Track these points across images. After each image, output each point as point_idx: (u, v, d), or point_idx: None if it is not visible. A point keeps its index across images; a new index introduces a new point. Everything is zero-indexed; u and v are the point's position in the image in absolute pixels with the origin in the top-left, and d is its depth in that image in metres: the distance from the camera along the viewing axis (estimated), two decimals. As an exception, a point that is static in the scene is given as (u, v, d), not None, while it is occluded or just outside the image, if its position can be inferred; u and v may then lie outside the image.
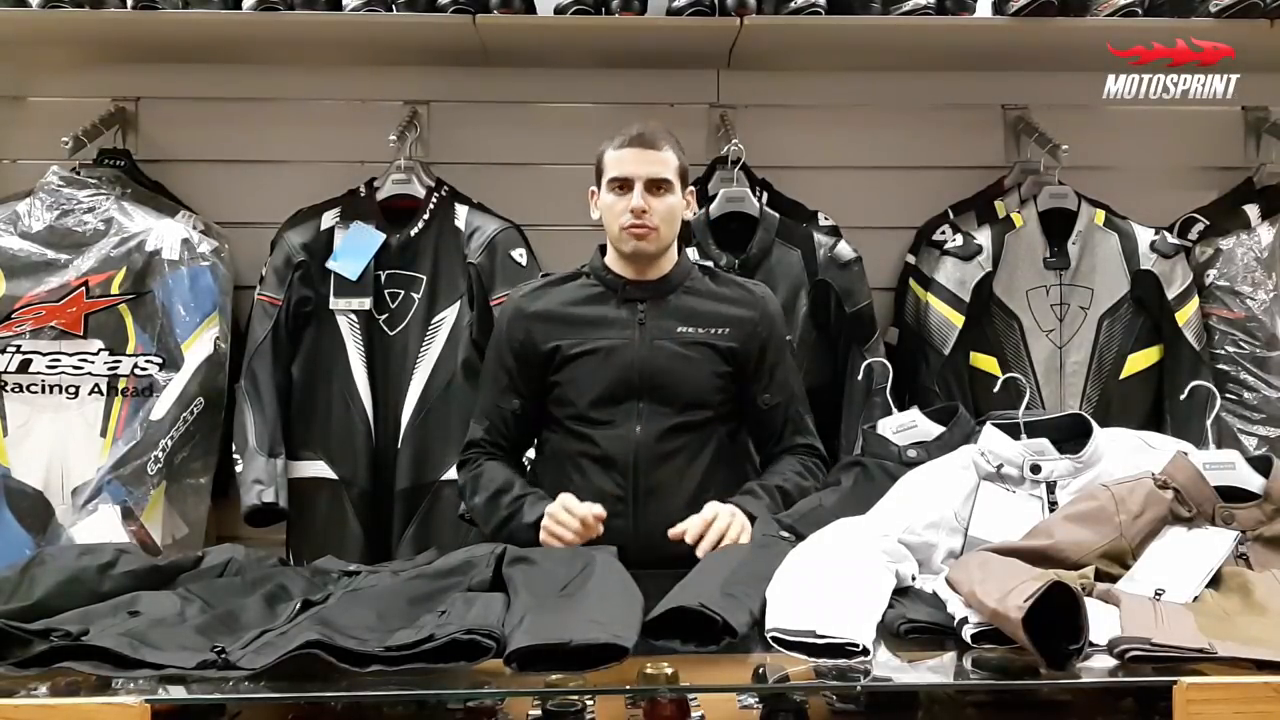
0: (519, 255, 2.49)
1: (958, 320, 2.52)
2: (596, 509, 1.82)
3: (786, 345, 2.09)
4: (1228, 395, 2.49)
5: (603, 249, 2.06)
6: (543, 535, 1.84)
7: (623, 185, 1.96)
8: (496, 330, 2.10)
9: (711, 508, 1.82)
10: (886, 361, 2.30)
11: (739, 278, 2.17)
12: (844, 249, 2.50)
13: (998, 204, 2.68)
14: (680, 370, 1.96)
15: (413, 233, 2.50)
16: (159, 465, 2.36)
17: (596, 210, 2.03)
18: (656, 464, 1.94)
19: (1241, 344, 2.54)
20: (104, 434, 2.41)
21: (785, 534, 1.75)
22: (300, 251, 2.47)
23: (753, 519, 1.82)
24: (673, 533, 1.79)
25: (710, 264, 2.32)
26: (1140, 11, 2.48)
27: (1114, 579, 1.52)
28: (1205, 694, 1.21)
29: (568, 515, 1.82)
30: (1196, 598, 1.46)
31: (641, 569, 1.53)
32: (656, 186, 1.95)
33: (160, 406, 2.38)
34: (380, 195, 2.54)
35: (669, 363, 1.96)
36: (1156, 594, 1.44)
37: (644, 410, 1.95)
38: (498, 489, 1.97)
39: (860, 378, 2.35)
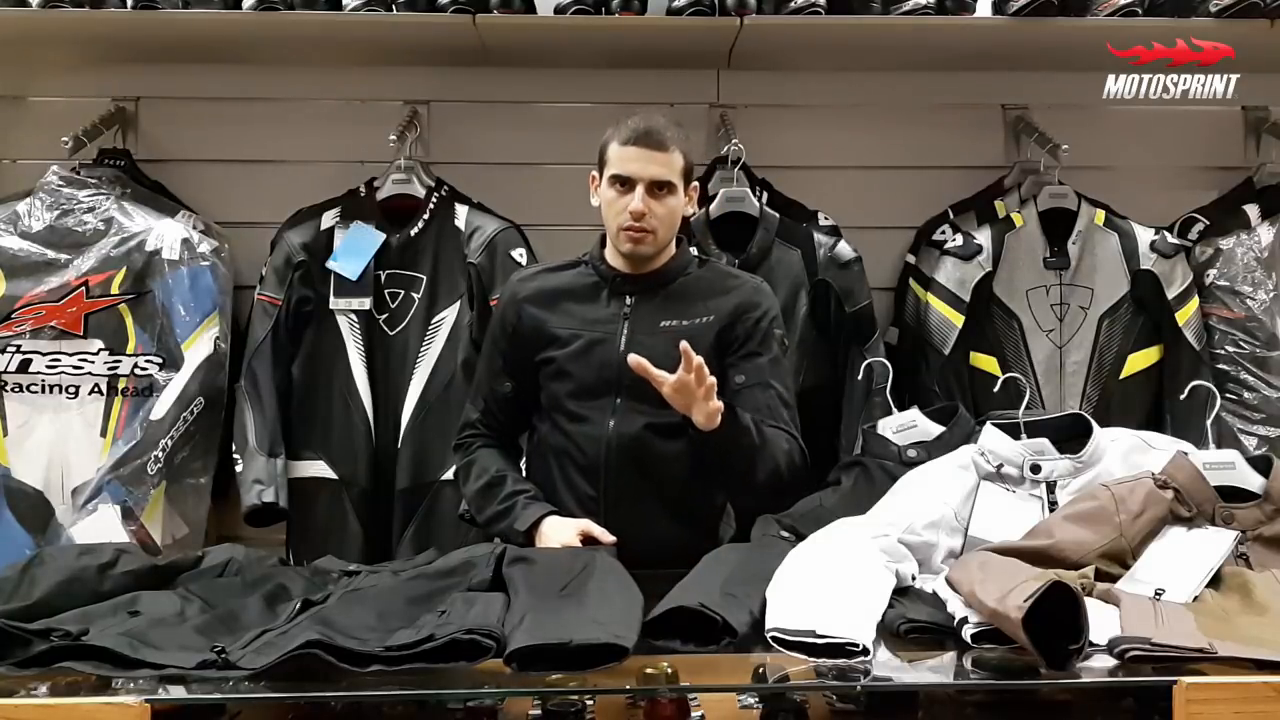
0: (519, 255, 2.49)
1: (958, 320, 2.51)
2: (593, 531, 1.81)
3: (776, 341, 2.00)
4: (1228, 395, 2.48)
5: (604, 238, 2.03)
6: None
7: (624, 183, 1.92)
8: (495, 312, 2.11)
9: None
10: (886, 361, 2.30)
11: (738, 270, 2.14)
12: (844, 249, 2.50)
13: (998, 204, 2.68)
14: (660, 369, 1.90)
15: (413, 233, 2.50)
16: (159, 465, 2.36)
17: (596, 198, 2.00)
18: (628, 465, 1.91)
19: (1241, 344, 2.54)
20: (104, 434, 2.41)
21: (785, 534, 1.75)
22: (300, 251, 2.47)
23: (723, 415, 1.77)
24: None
25: (709, 258, 2.29)
26: (1140, 11, 2.48)
27: (1114, 579, 1.52)
28: (1205, 694, 1.21)
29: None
30: (1196, 598, 1.46)
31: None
32: (659, 188, 1.92)
33: (160, 406, 2.38)
34: (380, 195, 2.54)
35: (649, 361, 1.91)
36: (1156, 594, 1.45)
37: (620, 408, 1.92)
38: (490, 480, 1.97)
39: (860, 378, 2.35)
